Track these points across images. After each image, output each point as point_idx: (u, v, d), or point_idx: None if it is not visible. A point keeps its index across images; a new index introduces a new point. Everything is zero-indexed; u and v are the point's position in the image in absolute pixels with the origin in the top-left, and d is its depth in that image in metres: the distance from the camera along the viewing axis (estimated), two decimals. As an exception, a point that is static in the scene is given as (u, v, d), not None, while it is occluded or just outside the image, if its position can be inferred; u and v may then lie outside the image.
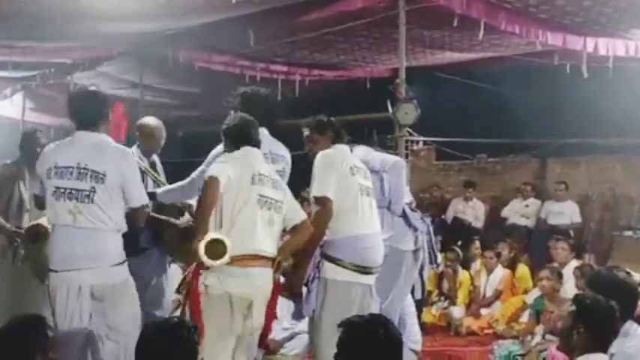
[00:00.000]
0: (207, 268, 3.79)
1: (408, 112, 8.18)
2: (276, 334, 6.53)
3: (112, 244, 4.12)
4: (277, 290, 4.09)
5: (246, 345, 4.03)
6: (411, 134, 9.77)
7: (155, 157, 5.40)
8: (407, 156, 9.68)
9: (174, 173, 5.74)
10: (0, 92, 12.47)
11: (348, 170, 4.37)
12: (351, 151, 4.83)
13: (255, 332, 4.03)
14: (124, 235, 4.92)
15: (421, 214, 5.35)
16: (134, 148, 5.25)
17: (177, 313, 7.31)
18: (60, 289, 4.02)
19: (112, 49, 9.78)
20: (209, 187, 3.79)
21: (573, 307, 3.41)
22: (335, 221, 4.29)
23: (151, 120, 5.48)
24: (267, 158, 4.39)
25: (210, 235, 3.75)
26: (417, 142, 12.01)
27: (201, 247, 3.69)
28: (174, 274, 7.66)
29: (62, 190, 4.05)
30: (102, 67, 10.63)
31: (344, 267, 4.28)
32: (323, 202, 4.26)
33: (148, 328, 3.09)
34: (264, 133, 4.46)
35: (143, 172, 5.09)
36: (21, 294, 4.98)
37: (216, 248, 3.71)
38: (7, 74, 10.61)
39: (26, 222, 5.18)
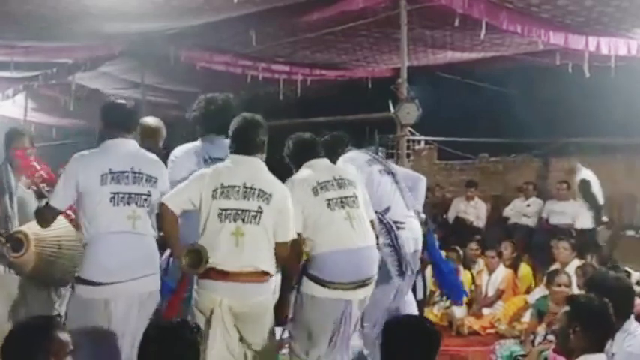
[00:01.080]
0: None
1: (409, 112, 8.17)
2: (277, 334, 6.55)
3: (156, 250, 4.10)
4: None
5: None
6: (412, 134, 9.79)
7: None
8: (408, 156, 9.69)
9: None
10: (2, 92, 12.48)
11: (310, 192, 4.26)
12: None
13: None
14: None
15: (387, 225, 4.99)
16: None
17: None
18: (117, 301, 3.90)
19: (114, 49, 9.77)
20: (162, 215, 3.96)
21: (567, 308, 3.40)
22: (313, 239, 4.22)
23: (151, 120, 5.47)
24: None
25: (188, 246, 3.84)
26: (419, 141, 12.05)
27: (182, 258, 3.80)
28: (176, 274, 7.71)
29: (121, 196, 3.97)
30: (104, 66, 10.63)
31: (322, 285, 4.22)
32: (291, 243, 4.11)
33: (150, 329, 3.09)
34: (224, 143, 4.35)
35: None
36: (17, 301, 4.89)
37: (195, 257, 3.79)
38: (9, 74, 10.61)
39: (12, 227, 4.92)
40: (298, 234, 4.15)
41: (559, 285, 6.22)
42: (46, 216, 4.14)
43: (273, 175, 4.12)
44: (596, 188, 9.51)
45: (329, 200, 4.25)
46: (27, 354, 2.98)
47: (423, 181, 5.40)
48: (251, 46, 9.03)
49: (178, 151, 4.62)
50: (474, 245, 8.64)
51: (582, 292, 5.00)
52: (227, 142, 4.25)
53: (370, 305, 4.53)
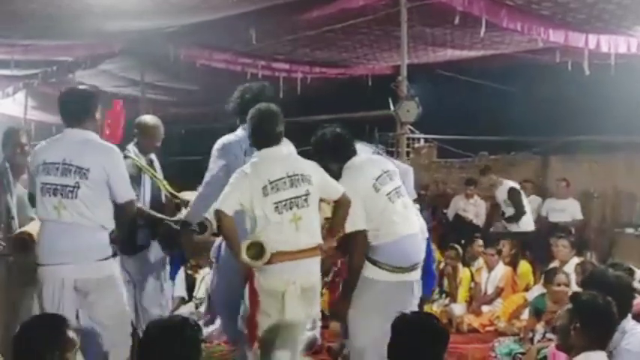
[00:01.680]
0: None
1: (409, 110, 8.19)
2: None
3: (95, 239, 4.18)
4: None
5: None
6: (412, 132, 9.80)
7: (153, 156, 5.38)
8: (408, 154, 9.69)
9: (176, 171, 5.77)
10: (2, 90, 12.49)
11: (371, 187, 4.46)
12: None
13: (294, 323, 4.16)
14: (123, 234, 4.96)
15: None
16: (131, 146, 5.25)
17: (179, 311, 7.40)
18: (46, 284, 4.14)
19: (114, 47, 9.78)
20: (219, 220, 4.04)
21: (570, 305, 3.41)
22: (373, 231, 4.45)
23: (149, 118, 5.48)
24: None
25: (248, 239, 4.02)
26: (419, 139, 12.05)
27: (243, 251, 3.95)
28: (179, 272, 7.72)
29: (48, 187, 4.16)
30: (103, 64, 10.64)
31: (391, 271, 4.46)
32: (354, 236, 4.40)
33: (151, 327, 3.10)
34: None
35: (140, 170, 5.10)
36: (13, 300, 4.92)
37: (256, 250, 3.98)
38: (9, 72, 10.62)
39: (15, 228, 4.99)
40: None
41: (558, 285, 6.23)
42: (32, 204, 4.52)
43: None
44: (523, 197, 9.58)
45: (388, 194, 4.48)
46: (37, 349, 3.01)
47: (411, 172, 5.45)
48: (251, 43, 9.03)
49: (220, 142, 4.70)
50: (480, 243, 8.63)
51: (582, 289, 5.02)
52: None
53: None
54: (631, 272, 4.68)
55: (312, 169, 4.24)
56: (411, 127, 9.18)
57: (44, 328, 3.12)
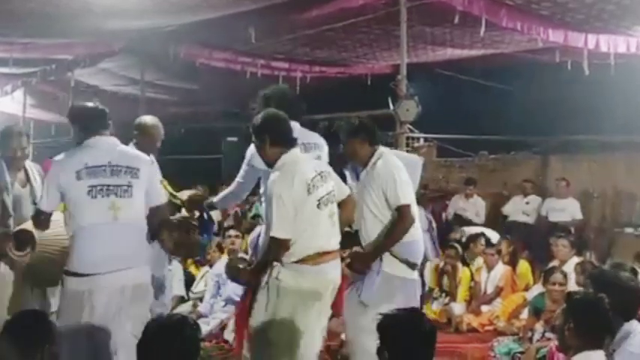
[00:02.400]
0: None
1: (409, 109, 8.19)
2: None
3: (145, 240, 4.12)
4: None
5: None
6: (412, 131, 9.77)
7: (152, 156, 5.37)
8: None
9: (175, 170, 5.76)
10: (1, 89, 12.49)
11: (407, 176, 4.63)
12: None
13: None
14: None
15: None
16: (131, 146, 5.23)
17: (178, 309, 7.39)
18: (98, 293, 3.93)
19: (113, 46, 9.78)
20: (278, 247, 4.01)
21: (564, 305, 3.40)
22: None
23: (149, 119, 5.47)
24: (301, 149, 4.43)
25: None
26: (418, 139, 12.02)
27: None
28: (176, 270, 7.71)
29: (99, 188, 4.01)
30: (103, 63, 10.64)
31: (413, 268, 4.63)
32: (407, 210, 4.50)
33: (151, 325, 3.09)
34: (296, 126, 4.49)
35: None
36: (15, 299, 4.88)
37: None
38: (7, 70, 10.61)
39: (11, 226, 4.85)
40: None
41: (554, 284, 6.23)
42: (38, 220, 4.21)
43: None
44: None
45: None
46: (23, 344, 3.01)
47: (419, 164, 5.43)
48: (250, 42, 9.03)
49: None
50: (482, 242, 8.62)
51: (581, 289, 5.02)
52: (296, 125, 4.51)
53: None
54: (634, 272, 4.66)
55: (329, 169, 4.34)
56: (411, 127, 9.16)
57: (31, 324, 3.11)
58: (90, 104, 4.40)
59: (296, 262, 4.00)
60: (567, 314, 3.31)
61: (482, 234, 8.78)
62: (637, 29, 8.36)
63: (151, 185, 4.20)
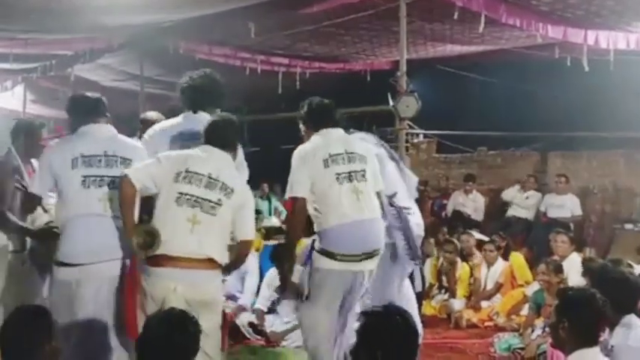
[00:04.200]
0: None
1: (408, 105, 8.18)
2: (278, 326, 6.59)
3: (120, 236, 4.08)
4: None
5: None
6: (411, 127, 9.78)
7: None
8: (407, 149, 9.68)
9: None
10: (1, 84, 12.48)
11: (321, 163, 4.35)
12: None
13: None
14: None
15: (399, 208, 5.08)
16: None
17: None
18: (86, 283, 3.96)
19: (113, 41, 9.77)
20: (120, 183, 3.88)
21: (557, 302, 3.38)
22: (319, 214, 4.35)
23: (154, 114, 5.47)
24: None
25: (142, 226, 3.82)
26: (418, 135, 12.03)
27: (133, 240, 3.77)
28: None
29: (92, 179, 4.04)
30: (102, 58, 10.62)
31: (331, 257, 4.30)
32: (292, 202, 4.35)
33: (151, 320, 3.10)
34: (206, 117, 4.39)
35: None
36: (25, 292, 4.88)
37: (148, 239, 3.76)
38: (8, 66, 10.60)
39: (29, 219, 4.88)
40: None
41: (538, 274, 6.41)
42: (28, 202, 4.32)
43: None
44: None
45: (338, 174, 4.35)
46: (25, 339, 3.01)
47: (415, 181, 5.43)
48: (250, 38, 9.02)
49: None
50: (473, 237, 8.62)
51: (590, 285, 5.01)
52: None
53: (378, 283, 4.65)
54: (630, 268, 4.68)
55: (237, 184, 4.02)
56: (410, 123, 9.16)
57: (33, 318, 3.12)
58: (85, 93, 4.44)
59: None
60: (561, 311, 3.28)
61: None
62: (636, 25, 8.35)
63: None
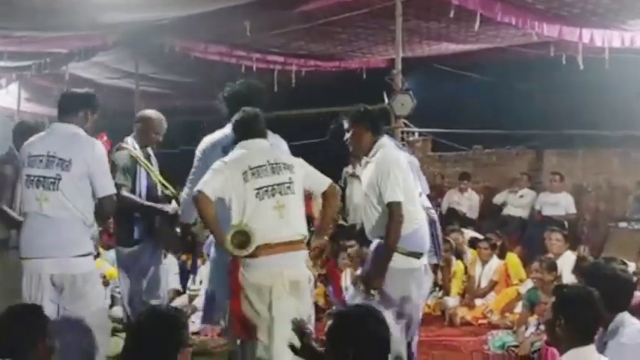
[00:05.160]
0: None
1: (404, 104, 8.20)
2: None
3: (75, 234, 4.18)
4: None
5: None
6: (406, 125, 9.78)
7: (150, 150, 5.36)
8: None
9: (172, 163, 5.77)
10: (-4, 82, 12.45)
11: (407, 168, 4.58)
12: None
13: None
14: (120, 227, 4.97)
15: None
16: (130, 138, 5.25)
17: (175, 302, 7.40)
18: (26, 277, 4.16)
19: (108, 39, 9.74)
20: (199, 203, 3.97)
21: (553, 299, 3.38)
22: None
23: (153, 112, 5.45)
24: None
25: (235, 227, 3.96)
26: (413, 133, 12.02)
27: (227, 239, 3.91)
28: (171, 264, 7.72)
29: (32, 179, 4.19)
30: (97, 56, 10.59)
31: (417, 257, 4.57)
32: (396, 207, 4.42)
33: (142, 315, 3.11)
34: None
35: (136, 163, 5.10)
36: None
37: (242, 239, 3.93)
38: (2, 64, 10.58)
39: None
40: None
41: (531, 272, 6.46)
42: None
43: None
44: None
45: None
46: (19, 337, 3.01)
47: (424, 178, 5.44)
48: (246, 36, 9.01)
49: (204, 142, 4.71)
50: (466, 236, 8.64)
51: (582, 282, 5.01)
52: None
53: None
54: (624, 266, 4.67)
55: (294, 160, 4.24)
56: (406, 121, 9.17)
57: (26, 319, 3.12)
58: (67, 91, 4.59)
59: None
60: (557, 309, 3.28)
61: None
62: (631, 24, 8.38)
63: (93, 176, 4.22)
